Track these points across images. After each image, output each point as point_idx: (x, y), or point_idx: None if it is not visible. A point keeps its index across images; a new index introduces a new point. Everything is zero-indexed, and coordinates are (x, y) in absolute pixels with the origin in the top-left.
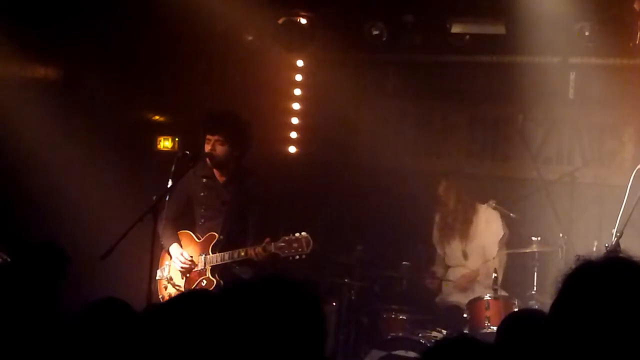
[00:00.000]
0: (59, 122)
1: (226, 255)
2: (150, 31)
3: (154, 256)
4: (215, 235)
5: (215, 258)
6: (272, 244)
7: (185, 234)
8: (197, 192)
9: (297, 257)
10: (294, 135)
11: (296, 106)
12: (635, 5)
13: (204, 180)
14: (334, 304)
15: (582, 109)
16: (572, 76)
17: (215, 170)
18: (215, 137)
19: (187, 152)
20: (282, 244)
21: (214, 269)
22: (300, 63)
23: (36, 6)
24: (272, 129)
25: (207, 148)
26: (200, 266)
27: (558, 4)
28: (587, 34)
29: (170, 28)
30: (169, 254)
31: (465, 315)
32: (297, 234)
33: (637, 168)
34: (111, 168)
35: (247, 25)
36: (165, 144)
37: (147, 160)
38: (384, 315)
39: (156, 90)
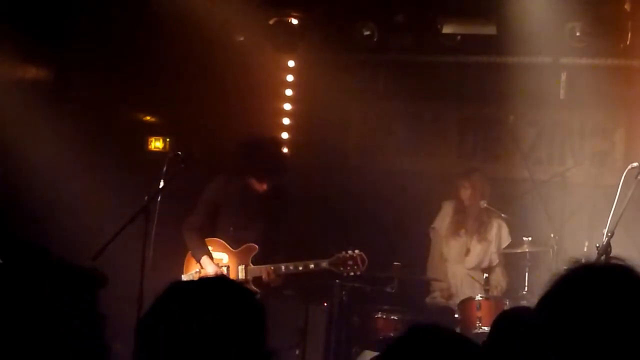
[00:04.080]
0: (49, 122)
1: (270, 268)
2: (142, 32)
3: (145, 256)
4: (255, 247)
5: (259, 270)
6: (326, 260)
7: (217, 242)
8: (230, 202)
9: (352, 273)
10: (285, 135)
11: (287, 107)
12: (626, 6)
13: (239, 191)
14: (325, 304)
15: (573, 110)
16: (563, 77)
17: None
18: (262, 185)
19: (179, 153)
20: (337, 261)
21: (256, 280)
22: (291, 63)
23: (27, 7)
24: (263, 129)
25: (251, 183)
26: (241, 276)
27: (549, 4)
28: (578, 34)
29: (162, 28)
30: (200, 264)
31: (456, 316)
32: (350, 251)
33: (628, 168)
34: (102, 169)
35: (238, 26)
36: (157, 144)
37: (138, 160)
38: (376, 316)
39: (147, 90)
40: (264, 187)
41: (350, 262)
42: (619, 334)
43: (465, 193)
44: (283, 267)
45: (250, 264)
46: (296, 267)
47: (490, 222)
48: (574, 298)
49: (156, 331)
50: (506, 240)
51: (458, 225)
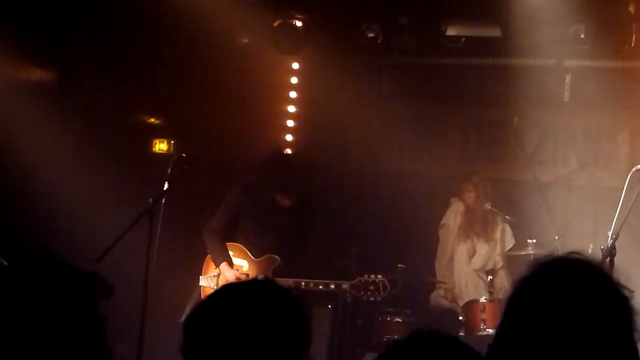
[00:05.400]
0: (54, 124)
1: (290, 282)
2: (146, 33)
3: (149, 259)
4: (277, 259)
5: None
6: (348, 283)
7: (238, 248)
8: (252, 210)
9: (372, 299)
10: (289, 137)
11: (291, 109)
12: (631, 8)
13: (262, 201)
14: (330, 306)
15: (577, 112)
16: (567, 79)
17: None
18: (285, 200)
19: (183, 155)
20: (358, 285)
21: None
22: (295, 65)
23: (31, 8)
24: (267, 131)
25: (275, 198)
26: None
27: (553, 6)
28: (582, 36)
29: (166, 30)
30: (219, 269)
31: (460, 318)
32: (372, 276)
33: (632, 170)
34: (106, 171)
35: (243, 28)
36: (161, 146)
37: (142, 162)
38: (379, 318)
39: (151, 92)
40: (287, 202)
41: (371, 288)
42: (579, 327)
43: (470, 196)
44: (303, 284)
45: (270, 276)
46: (316, 286)
47: (495, 222)
48: (534, 297)
49: (204, 329)
50: (510, 242)
51: (466, 228)
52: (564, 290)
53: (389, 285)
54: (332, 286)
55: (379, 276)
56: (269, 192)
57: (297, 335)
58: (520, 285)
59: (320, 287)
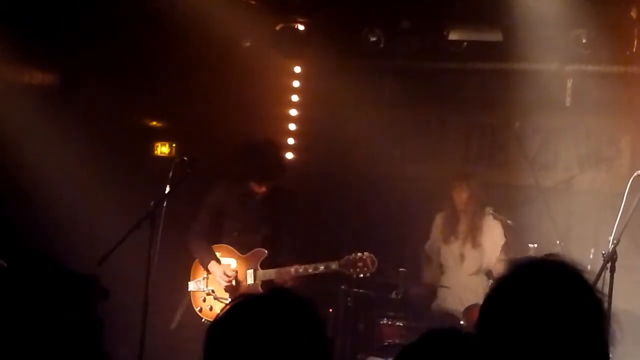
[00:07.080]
0: (56, 127)
1: (281, 270)
2: (148, 37)
3: (151, 262)
4: (264, 252)
5: (269, 274)
6: (336, 262)
7: (224, 248)
8: (232, 207)
9: (362, 275)
10: (291, 141)
11: (293, 112)
12: (632, 13)
13: (241, 196)
14: (331, 310)
15: (579, 116)
16: (569, 83)
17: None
18: (261, 187)
19: (185, 158)
20: (346, 264)
21: (265, 284)
22: (297, 69)
23: (34, 11)
24: (269, 135)
25: (251, 187)
26: (249, 281)
27: (555, 11)
28: (584, 41)
29: (168, 34)
30: (208, 270)
31: (462, 322)
32: (360, 254)
33: (634, 175)
34: (108, 174)
35: (245, 32)
36: (163, 149)
37: (144, 166)
38: (381, 322)
39: (153, 95)
40: (263, 189)
41: (360, 264)
42: (551, 329)
43: (461, 196)
44: (292, 270)
45: (259, 269)
46: (306, 270)
47: (481, 226)
48: (507, 299)
49: (225, 341)
50: (500, 239)
51: (448, 232)
52: (537, 292)
53: (376, 261)
54: (322, 267)
55: (366, 253)
56: (245, 183)
57: (315, 343)
58: (495, 287)
59: (310, 270)
